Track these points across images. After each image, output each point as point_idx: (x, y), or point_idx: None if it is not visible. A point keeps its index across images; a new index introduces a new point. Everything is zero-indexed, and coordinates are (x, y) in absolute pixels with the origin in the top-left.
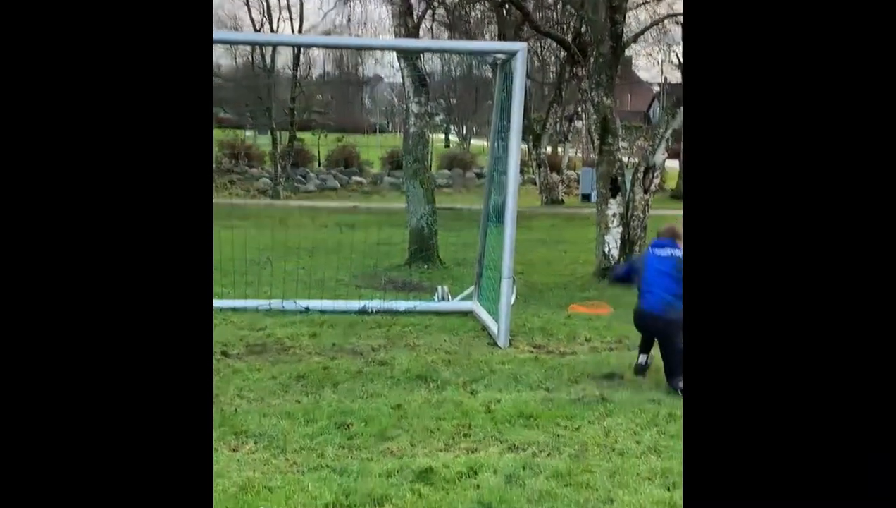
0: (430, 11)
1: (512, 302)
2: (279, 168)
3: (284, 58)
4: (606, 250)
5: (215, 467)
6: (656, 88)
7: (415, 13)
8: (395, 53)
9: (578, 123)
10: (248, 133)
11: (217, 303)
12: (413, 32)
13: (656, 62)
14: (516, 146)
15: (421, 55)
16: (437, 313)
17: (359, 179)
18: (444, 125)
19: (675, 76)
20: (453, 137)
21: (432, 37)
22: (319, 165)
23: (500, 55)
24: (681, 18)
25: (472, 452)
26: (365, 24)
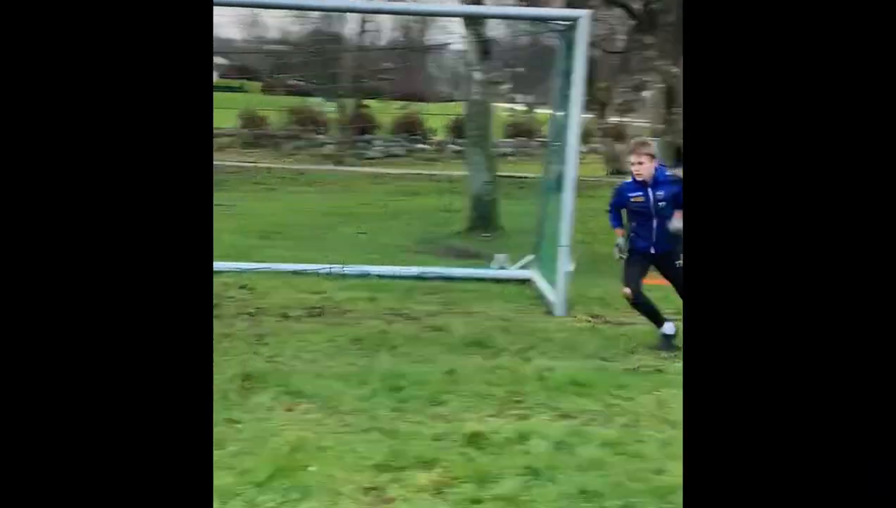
0: None
1: (571, 271)
2: (344, 135)
3: (352, 25)
4: None
5: (270, 425)
6: None
7: None
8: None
9: (645, 93)
10: (315, 100)
11: (279, 266)
12: None
13: None
14: (577, 114)
15: (485, 22)
16: (496, 281)
17: (423, 146)
18: (510, 94)
19: None
20: (519, 106)
21: (496, 3)
22: (384, 131)
23: (562, 23)
24: None
25: (523, 418)
26: None
